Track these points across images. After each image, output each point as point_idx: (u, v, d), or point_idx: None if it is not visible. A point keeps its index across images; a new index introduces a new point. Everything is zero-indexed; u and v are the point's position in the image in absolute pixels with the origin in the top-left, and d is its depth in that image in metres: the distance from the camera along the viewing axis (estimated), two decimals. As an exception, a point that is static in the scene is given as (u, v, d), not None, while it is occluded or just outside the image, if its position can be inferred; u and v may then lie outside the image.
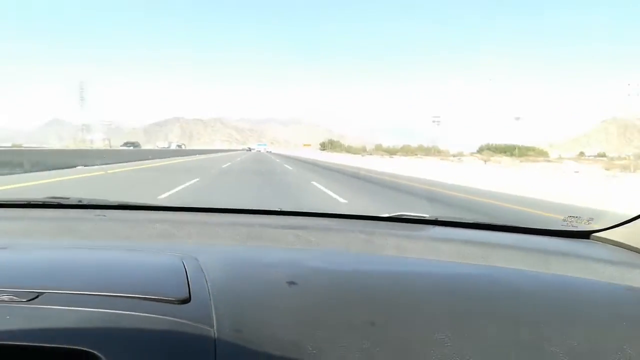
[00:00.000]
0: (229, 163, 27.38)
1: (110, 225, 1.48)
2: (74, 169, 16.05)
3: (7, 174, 12.58)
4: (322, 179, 15.37)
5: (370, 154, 78.13)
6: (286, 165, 26.05)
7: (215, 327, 0.66)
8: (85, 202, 1.73)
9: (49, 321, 0.64)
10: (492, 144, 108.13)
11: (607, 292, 0.97)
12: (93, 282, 0.81)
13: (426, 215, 1.67)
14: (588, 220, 1.51)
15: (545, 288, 0.97)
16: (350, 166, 28.77)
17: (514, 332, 0.75)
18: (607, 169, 31.73)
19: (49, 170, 14.64)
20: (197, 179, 12.84)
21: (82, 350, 0.59)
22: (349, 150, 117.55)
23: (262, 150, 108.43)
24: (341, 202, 8.69)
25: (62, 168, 15.59)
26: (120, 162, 21.41)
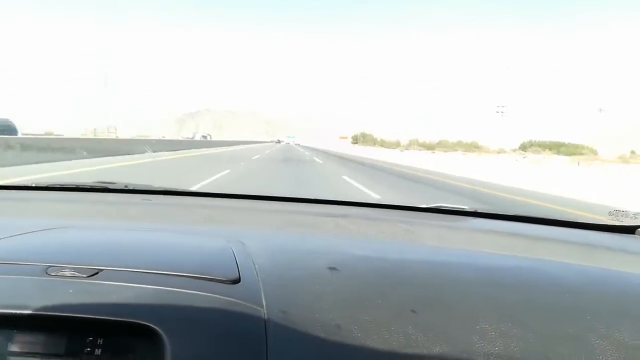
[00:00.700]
0: (258, 155, 25.95)
1: (157, 209, 1.55)
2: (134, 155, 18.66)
3: (90, 157, 15.49)
4: (370, 181, 12.69)
5: (407, 149, 73.54)
6: (315, 158, 25.40)
7: (264, 308, 0.68)
8: (130, 187, 1.77)
9: (109, 296, 0.67)
10: (535, 141, 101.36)
11: None
12: (148, 261, 0.84)
13: (465, 207, 1.66)
14: (634, 215, 1.46)
15: (590, 281, 0.96)
16: (394, 163, 25.78)
17: (559, 324, 0.74)
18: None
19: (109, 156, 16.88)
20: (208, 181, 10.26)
21: (141, 324, 0.62)
22: (382, 144, 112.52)
23: (291, 143, 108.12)
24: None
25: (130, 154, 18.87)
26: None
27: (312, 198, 1.84)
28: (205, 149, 35.41)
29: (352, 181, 11.81)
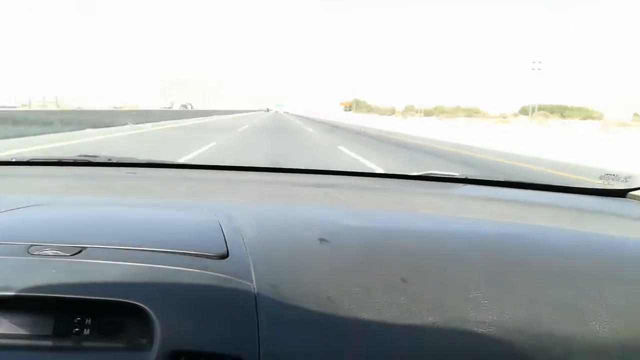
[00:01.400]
0: (245, 126, 23.04)
1: (142, 182, 1.49)
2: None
3: (72, 130, 14.72)
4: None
5: (406, 116, 69.06)
6: (309, 129, 23.16)
7: (254, 282, 0.67)
8: (114, 160, 1.70)
9: (94, 275, 0.66)
10: (534, 104, 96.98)
11: None
12: (133, 237, 0.82)
13: (456, 174, 1.64)
14: (625, 179, 1.45)
15: (581, 246, 0.96)
16: (402, 134, 21.04)
17: (551, 289, 0.74)
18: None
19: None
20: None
21: (129, 303, 0.61)
22: (377, 111, 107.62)
23: (280, 111, 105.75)
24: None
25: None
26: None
27: (302, 168, 1.80)
28: (187, 119, 30.85)
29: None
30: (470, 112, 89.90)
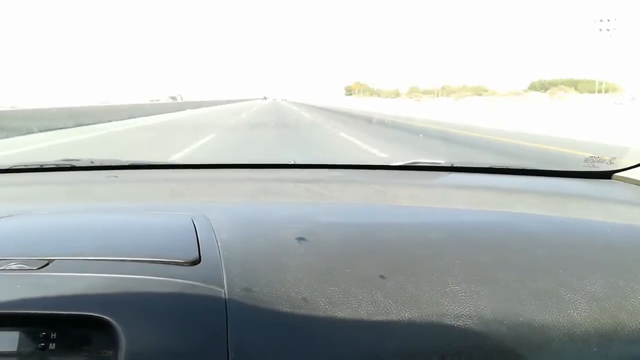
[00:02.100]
0: (233, 120, 19.03)
1: (122, 186, 1.48)
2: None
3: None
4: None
5: (414, 97, 64.19)
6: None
7: (225, 288, 0.66)
8: (97, 164, 1.68)
9: (58, 288, 0.65)
10: (545, 80, 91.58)
11: (627, 234, 0.95)
12: (103, 246, 0.82)
13: (441, 162, 1.62)
14: (610, 160, 1.45)
15: (563, 233, 0.95)
16: (419, 119, 17.59)
17: (530, 279, 0.73)
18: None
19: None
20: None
21: (92, 315, 0.60)
22: (380, 94, 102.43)
23: (278, 99, 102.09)
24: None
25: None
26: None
27: (285, 163, 1.74)
28: (166, 114, 26.04)
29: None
30: (479, 91, 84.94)
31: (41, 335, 0.60)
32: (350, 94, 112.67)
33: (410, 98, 65.23)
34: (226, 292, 0.65)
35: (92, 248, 0.79)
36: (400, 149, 9.17)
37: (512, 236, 0.92)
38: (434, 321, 0.65)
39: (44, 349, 0.60)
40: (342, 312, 0.65)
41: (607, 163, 1.44)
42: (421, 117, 19.31)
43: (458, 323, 0.65)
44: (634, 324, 0.67)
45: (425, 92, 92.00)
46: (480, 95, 72.61)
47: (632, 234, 0.96)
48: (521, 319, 0.66)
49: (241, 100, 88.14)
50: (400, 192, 1.36)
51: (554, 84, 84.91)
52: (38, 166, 1.62)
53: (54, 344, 0.60)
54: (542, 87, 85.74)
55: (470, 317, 0.65)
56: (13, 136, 12.09)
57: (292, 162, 1.73)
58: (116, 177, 1.53)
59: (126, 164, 1.69)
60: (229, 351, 0.58)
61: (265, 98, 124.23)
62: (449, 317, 0.65)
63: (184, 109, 32.99)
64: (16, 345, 0.60)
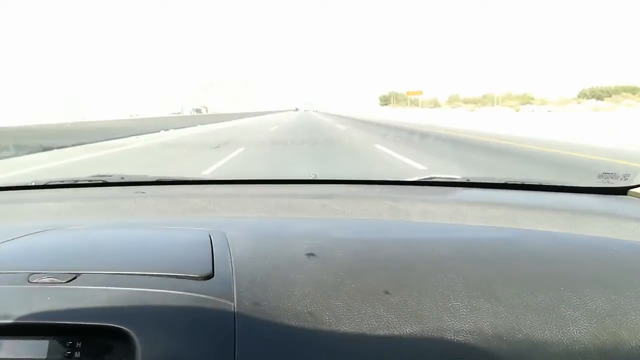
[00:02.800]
0: (257, 135, 17.34)
1: (148, 202, 1.53)
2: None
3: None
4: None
5: (473, 109, 59.46)
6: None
7: (235, 301, 0.70)
8: (126, 179, 1.74)
9: (84, 301, 0.70)
10: (596, 87, 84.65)
11: (634, 252, 0.94)
12: (126, 261, 0.87)
13: (457, 177, 1.62)
14: (624, 176, 1.44)
15: (567, 248, 0.96)
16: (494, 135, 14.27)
17: (531, 296, 0.74)
18: None
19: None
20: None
21: (113, 327, 0.66)
22: (416, 103, 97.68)
23: (310, 110, 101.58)
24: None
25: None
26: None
27: (303, 179, 1.79)
28: (179, 130, 23.58)
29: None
30: (525, 99, 79.15)
31: (68, 344, 0.65)
32: (386, 104, 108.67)
33: (452, 107, 60.66)
34: (235, 305, 0.69)
35: (115, 262, 0.85)
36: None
37: (517, 252, 0.92)
38: (435, 336, 0.66)
39: (70, 357, 0.65)
40: (346, 327, 0.67)
41: (621, 179, 1.43)
42: (488, 131, 15.46)
43: (458, 338, 0.66)
44: (634, 342, 0.67)
45: (466, 101, 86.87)
46: (526, 103, 67.14)
47: (639, 251, 0.94)
48: (521, 334, 0.67)
49: (273, 112, 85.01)
50: (413, 208, 1.37)
51: (608, 91, 78.12)
52: (72, 182, 1.72)
53: (79, 353, 0.65)
54: (593, 94, 79.09)
55: (470, 332, 0.66)
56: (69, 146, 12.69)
57: (309, 178, 1.77)
58: (144, 192, 1.60)
59: (153, 180, 1.77)
60: None
61: (296, 109, 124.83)
62: (449, 332, 0.66)
63: (222, 121, 30.18)
64: (46, 353, 0.65)
